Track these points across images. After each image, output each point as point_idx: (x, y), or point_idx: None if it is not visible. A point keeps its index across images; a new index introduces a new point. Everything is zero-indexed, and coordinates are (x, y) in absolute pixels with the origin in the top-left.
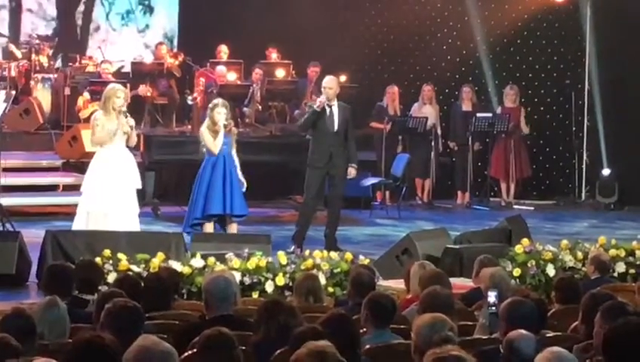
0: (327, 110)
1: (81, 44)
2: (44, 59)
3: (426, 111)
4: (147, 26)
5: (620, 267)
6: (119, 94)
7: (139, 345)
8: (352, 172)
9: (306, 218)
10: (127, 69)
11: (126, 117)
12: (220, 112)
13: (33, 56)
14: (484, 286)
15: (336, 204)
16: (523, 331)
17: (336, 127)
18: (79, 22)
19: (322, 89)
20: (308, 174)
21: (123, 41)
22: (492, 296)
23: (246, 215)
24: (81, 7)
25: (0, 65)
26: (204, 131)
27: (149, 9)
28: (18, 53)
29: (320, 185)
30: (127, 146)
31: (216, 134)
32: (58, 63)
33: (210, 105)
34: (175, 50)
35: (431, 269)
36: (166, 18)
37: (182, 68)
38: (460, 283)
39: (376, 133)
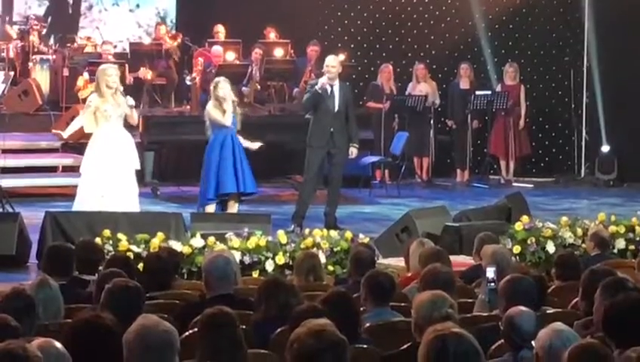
0: (329, 90)
1: (72, 23)
2: (36, 40)
3: (422, 89)
4: (138, 6)
5: (620, 243)
6: (109, 72)
7: (139, 325)
8: (353, 151)
9: (305, 197)
10: (119, 49)
11: (124, 96)
12: (224, 87)
13: (31, 37)
14: (484, 263)
15: (336, 184)
16: (523, 307)
17: (337, 107)
18: (71, 1)
19: (325, 67)
20: (308, 153)
21: (115, 21)
22: (491, 272)
23: (256, 192)
24: None
25: None
26: (210, 110)
27: None
28: (13, 34)
29: (320, 165)
30: (128, 126)
31: (224, 112)
32: (52, 43)
33: (212, 86)
34: (170, 28)
35: (431, 247)
36: None
37: (181, 49)
38: (460, 261)
39: (375, 112)
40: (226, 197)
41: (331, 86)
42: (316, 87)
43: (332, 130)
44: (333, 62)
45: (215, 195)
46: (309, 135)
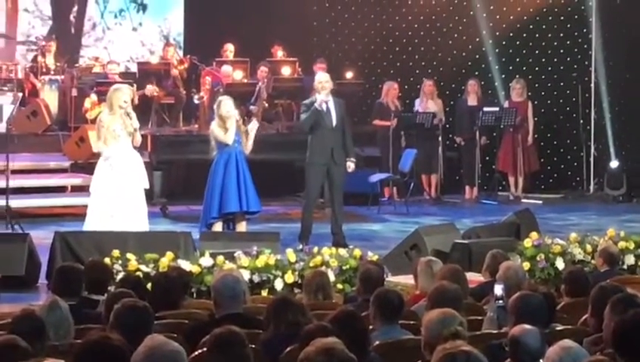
0: (324, 106)
1: (76, 43)
2: (50, 61)
3: (429, 106)
4: (140, 24)
5: (630, 259)
6: (122, 91)
7: (147, 346)
8: (350, 166)
9: (309, 216)
10: (123, 68)
11: (130, 118)
12: (227, 104)
13: (40, 57)
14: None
15: (338, 200)
16: (527, 326)
17: (334, 123)
18: (73, 20)
19: (318, 84)
20: (308, 172)
21: (118, 39)
22: (499, 289)
23: (260, 211)
24: (76, 7)
25: (7, 68)
26: (214, 128)
27: (142, 7)
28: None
29: (321, 182)
30: (134, 146)
31: (227, 130)
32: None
33: (215, 105)
34: (173, 44)
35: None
36: (160, 15)
37: (188, 72)
38: (469, 278)
39: (381, 129)
40: (230, 216)
41: (326, 102)
42: (315, 105)
43: (332, 146)
44: (326, 77)
45: (218, 214)
46: (308, 153)
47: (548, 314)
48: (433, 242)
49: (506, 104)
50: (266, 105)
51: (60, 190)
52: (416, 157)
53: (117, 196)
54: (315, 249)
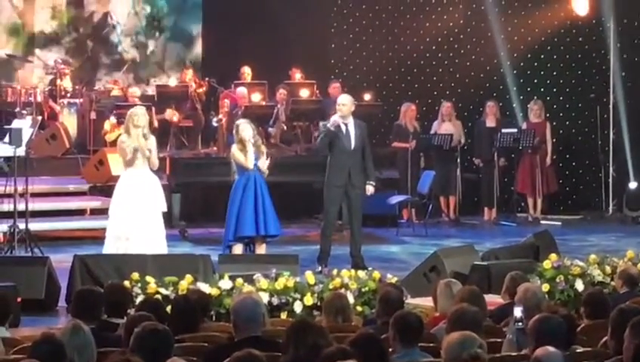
0: (343, 128)
1: (92, 66)
2: (68, 84)
3: (447, 128)
4: (157, 47)
5: None
6: (136, 112)
7: None
8: (369, 189)
9: (327, 237)
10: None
11: (146, 140)
12: (245, 129)
13: (58, 81)
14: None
15: (357, 223)
16: (550, 348)
17: (353, 145)
18: (91, 44)
19: (337, 106)
20: (326, 194)
21: (135, 63)
22: (518, 311)
23: (279, 235)
24: (93, 29)
25: (26, 91)
26: (234, 152)
27: (159, 30)
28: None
29: (339, 204)
30: (151, 169)
31: (247, 152)
32: (77, 87)
33: (234, 129)
34: (190, 67)
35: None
36: (177, 38)
37: (207, 94)
38: (489, 300)
39: (400, 151)
40: (246, 239)
41: (345, 124)
42: (328, 126)
43: (349, 168)
44: (345, 100)
45: (234, 237)
46: (327, 174)
47: (568, 336)
48: (452, 264)
49: (524, 125)
50: (285, 127)
51: (79, 213)
52: (435, 179)
53: (134, 218)
54: (334, 271)
